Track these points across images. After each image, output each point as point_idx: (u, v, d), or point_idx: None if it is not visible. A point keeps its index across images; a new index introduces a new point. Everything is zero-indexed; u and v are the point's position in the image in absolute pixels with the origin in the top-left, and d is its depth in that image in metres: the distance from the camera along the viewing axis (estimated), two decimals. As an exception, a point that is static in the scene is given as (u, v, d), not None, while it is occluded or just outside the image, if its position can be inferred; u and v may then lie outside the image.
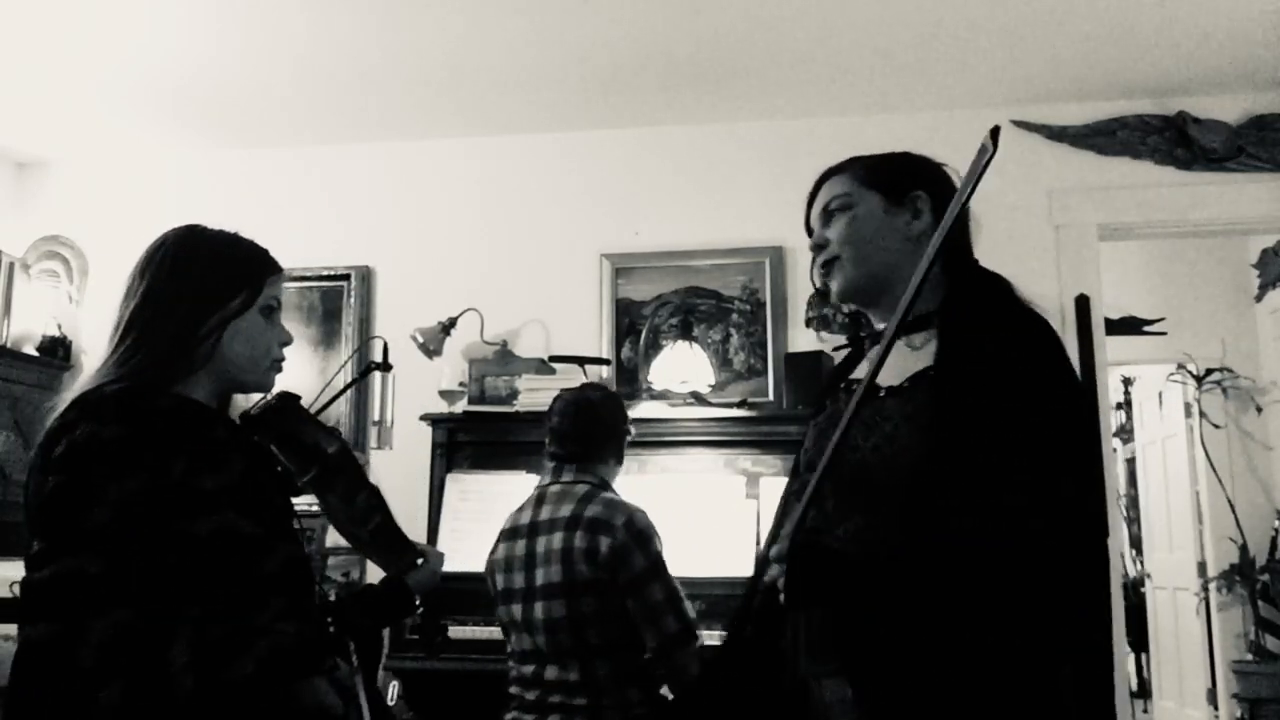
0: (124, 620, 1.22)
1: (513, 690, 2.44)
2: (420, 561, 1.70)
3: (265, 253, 1.57)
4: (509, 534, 2.52)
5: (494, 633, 2.97)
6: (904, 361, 1.42)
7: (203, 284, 1.48)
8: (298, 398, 1.58)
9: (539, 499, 2.52)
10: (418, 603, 1.68)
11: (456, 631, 3.05)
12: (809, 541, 1.28)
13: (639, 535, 2.38)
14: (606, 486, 2.53)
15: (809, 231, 1.60)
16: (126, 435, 1.28)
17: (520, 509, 2.55)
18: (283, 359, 1.57)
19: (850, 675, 1.29)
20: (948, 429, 1.29)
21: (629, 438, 2.64)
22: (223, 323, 1.47)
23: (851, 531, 1.36)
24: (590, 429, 2.55)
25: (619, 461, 2.61)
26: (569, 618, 2.33)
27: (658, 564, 2.39)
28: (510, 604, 2.44)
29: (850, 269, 1.51)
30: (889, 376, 1.39)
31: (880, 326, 1.54)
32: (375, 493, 1.62)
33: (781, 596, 1.25)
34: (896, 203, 1.52)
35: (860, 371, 1.57)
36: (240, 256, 1.54)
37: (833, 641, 1.31)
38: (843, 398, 1.53)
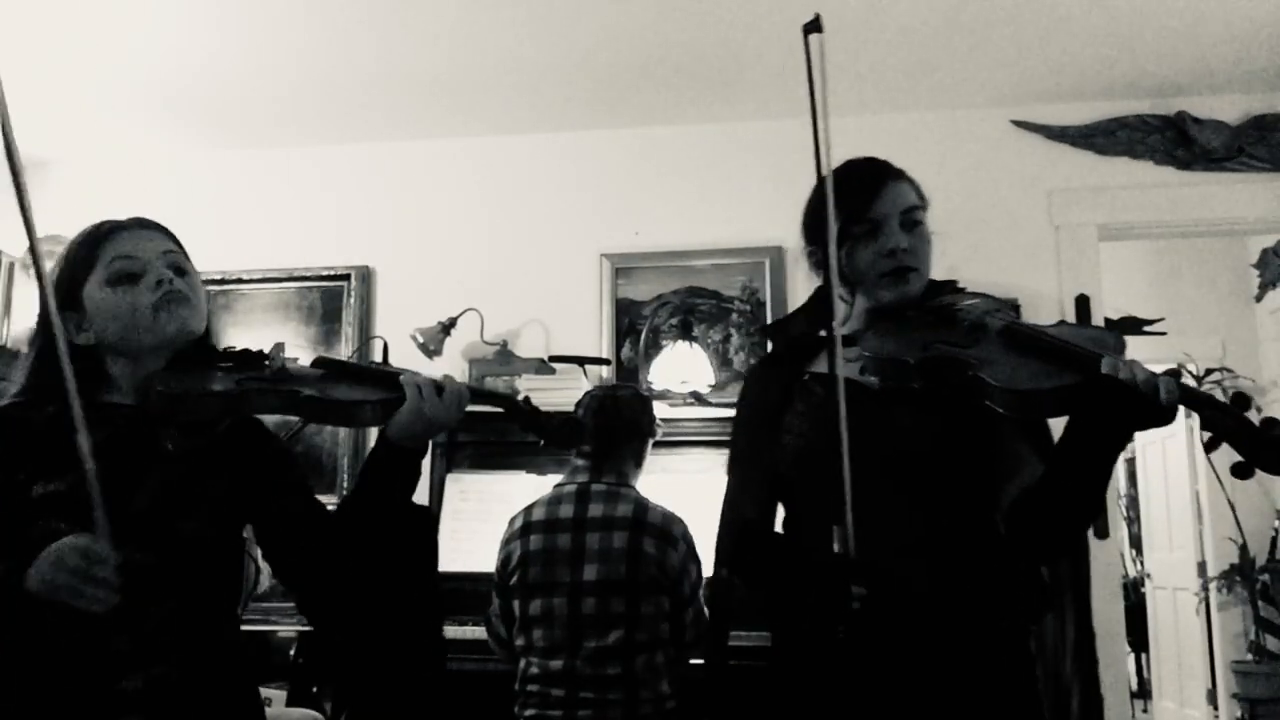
0: None
1: (531, 688, 2.40)
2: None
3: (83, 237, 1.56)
4: (546, 525, 2.46)
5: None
6: None
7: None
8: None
9: (580, 494, 2.48)
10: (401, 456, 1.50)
11: (456, 631, 3.04)
12: None
13: (692, 546, 2.49)
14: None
15: (855, 216, 1.59)
16: None
17: (553, 502, 2.50)
18: (164, 294, 1.52)
19: None
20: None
21: (653, 439, 2.64)
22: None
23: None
24: (612, 426, 2.56)
25: (638, 465, 2.61)
26: (626, 615, 2.36)
27: (702, 571, 2.51)
28: (550, 597, 2.41)
29: (920, 283, 1.61)
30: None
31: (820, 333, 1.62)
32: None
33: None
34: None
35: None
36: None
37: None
38: (815, 388, 1.58)
